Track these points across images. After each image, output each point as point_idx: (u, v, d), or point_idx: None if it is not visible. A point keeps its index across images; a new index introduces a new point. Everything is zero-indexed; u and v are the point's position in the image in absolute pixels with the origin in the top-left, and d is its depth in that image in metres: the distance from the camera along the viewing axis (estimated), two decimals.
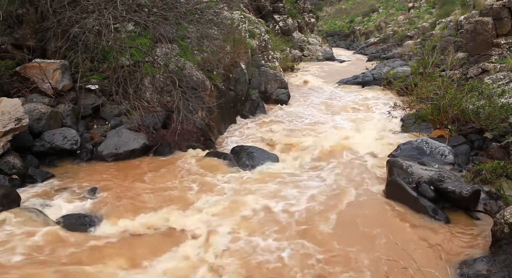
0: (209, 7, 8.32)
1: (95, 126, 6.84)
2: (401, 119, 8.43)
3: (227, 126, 8.86)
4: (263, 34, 14.50)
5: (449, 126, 7.06)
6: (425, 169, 5.19)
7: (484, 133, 6.76)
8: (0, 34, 6.71)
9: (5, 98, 5.51)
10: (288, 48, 19.48)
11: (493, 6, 10.63)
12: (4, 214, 4.31)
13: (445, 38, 13.44)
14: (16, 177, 5.17)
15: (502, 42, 10.53)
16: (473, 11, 13.27)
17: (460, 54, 11.40)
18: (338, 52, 27.23)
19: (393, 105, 8.24)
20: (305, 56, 21.62)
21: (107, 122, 6.89)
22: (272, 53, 14.35)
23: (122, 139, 6.33)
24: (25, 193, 4.96)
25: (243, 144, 7.33)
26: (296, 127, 8.96)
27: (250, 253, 3.98)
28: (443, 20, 18.25)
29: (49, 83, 6.55)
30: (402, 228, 4.48)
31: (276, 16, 20.77)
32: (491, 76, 8.99)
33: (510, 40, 10.38)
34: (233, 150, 6.89)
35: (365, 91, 13.36)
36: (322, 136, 7.95)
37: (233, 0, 11.65)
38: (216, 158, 6.47)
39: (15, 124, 5.30)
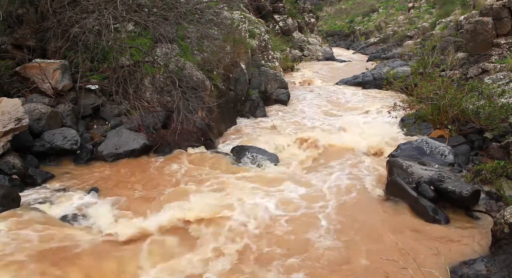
0: (209, 7, 8.31)
1: (95, 126, 6.83)
2: (401, 120, 8.43)
3: (227, 126, 8.85)
4: (263, 34, 14.49)
5: (449, 126, 7.05)
6: (425, 169, 5.18)
7: (484, 133, 6.75)
8: (0, 34, 6.71)
9: (5, 98, 5.51)
10: (288, 48, 19.49)
11: (493, 6, 10.63)
12: (4, 214, 4.30)
13: (445, 38, 13.41)
14: (16, 177, 5.16)
15: (502, 42, 10.53)
16: (473, 11, 13.24)
17: (460, 54, 11.38)
18: (338, 52, 27.24)
19: (393, 105, 8.24)
20: (305, 56, 21.62)
21: (107, 122, 6.88)
22: (272, 53, 14.34)
23: (122, 139, 6.33)
24: (25, 193, 4.96)
25: (243, 144, 7.32)
26: (296, 127, 8.96)
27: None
28: (443, 20, 18.23)
29: (49, 83, 6.55)
30: (402, 228, 4.48)
31: (276, 16, 20.77)
32: (491, 76, 8.99)
33: (510, 40, 10.38)
34: (233, 149, 6.89)
35: (365, 91, 13.36)
36: (322, 136, 7.93)
37: (233, 0, 11.63)
38: (216, 158, 6.47)
39: (15, 124, 5.30)
